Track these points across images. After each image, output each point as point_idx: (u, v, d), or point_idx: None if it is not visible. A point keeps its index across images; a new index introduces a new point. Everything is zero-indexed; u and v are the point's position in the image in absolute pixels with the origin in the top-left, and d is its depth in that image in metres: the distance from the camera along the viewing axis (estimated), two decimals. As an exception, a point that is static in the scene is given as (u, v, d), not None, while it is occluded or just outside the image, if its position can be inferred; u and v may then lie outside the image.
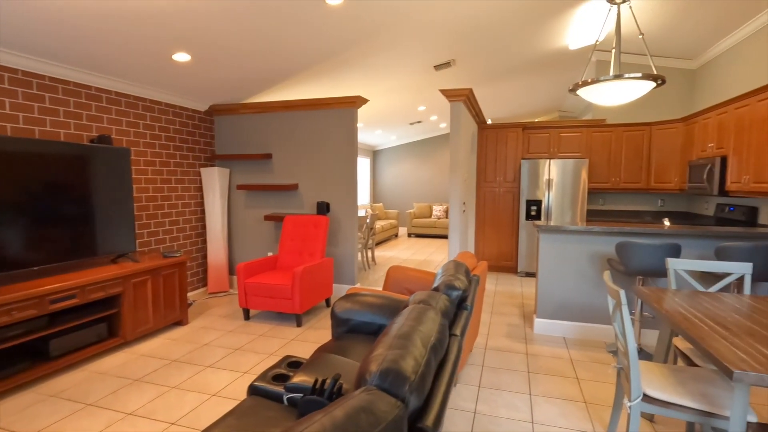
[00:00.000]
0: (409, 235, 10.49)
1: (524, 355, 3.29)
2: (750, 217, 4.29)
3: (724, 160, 4.24)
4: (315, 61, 4.28)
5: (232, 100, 5.11)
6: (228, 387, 2.77)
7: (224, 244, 5.14)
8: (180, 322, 3.99)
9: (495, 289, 5.37)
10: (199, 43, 3.46)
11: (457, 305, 1.87)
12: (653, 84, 2.27)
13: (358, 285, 5.01)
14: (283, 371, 1.87)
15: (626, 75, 2.14)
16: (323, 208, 4.84)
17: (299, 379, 1.70)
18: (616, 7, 2.51)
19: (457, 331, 1.50)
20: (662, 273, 3.04)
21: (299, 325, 3.93)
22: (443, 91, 4.39)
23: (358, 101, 4.71)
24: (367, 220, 6.43)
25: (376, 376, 0.95)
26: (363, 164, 11.05)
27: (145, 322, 3.58)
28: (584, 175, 5.70)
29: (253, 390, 1.76)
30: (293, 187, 4.98)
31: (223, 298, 4.93)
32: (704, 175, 4.48)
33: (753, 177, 3.75)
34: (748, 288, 2.44)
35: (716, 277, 3.31)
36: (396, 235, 10.51)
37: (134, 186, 4.22)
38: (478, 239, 6.37)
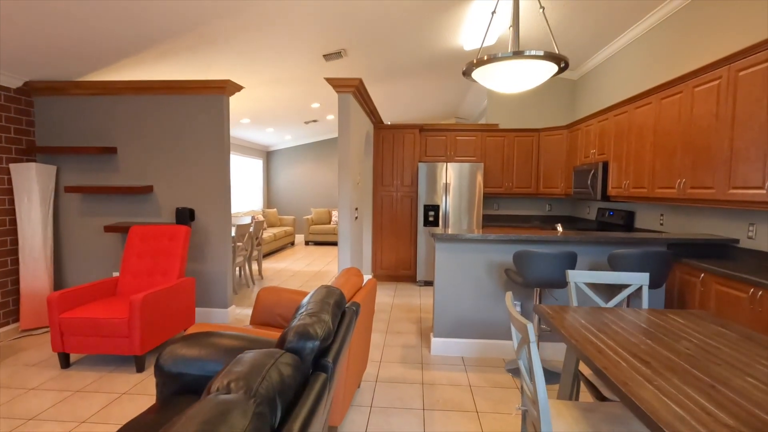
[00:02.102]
0: (307, 243, 9.74)
1: (420, 386, 2.83)
2: (628, 221, 4.45)
3: (605, 166, 4.34)
4: (173, 32, 3.40)
5: (60, 76, 3.93)
6: (-13, 492, 1.83)
7: (47, 265, 3.92)
8: (-48, 382, 2.79)
9: (392, 302, 4.94)
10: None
11: (315, 361, 1.28)
12: (555, 68, 1.96)
13: (231, 308, 4.18)
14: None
15: (527, 52, 1.79)
16: (185, 216, 3.93)
17: None
18: (513, -21, 2.19)
19: (296, 426, 0.90)
20: (560, 284, 2.82)
21: (141, 370, 3.01)
22: (330, 80, 3.82)
23: (229, 87, 3.92)
24: (251, 229, 5.58)
25: None
26: (255, 166, 10.03)
27: None
28: (480, 179, 5.58)
29: None
30: (146, 190, 3.98)
31: (44, 335, 3.72)
32: (588, 181, 4.57)
33: (632, 182, 3.82)
34: (647, 301, 2.25)
35: (611, 286, 3.22)
36: (292, 244, 9.68)
37: None
38: (375, 247, 5.93)
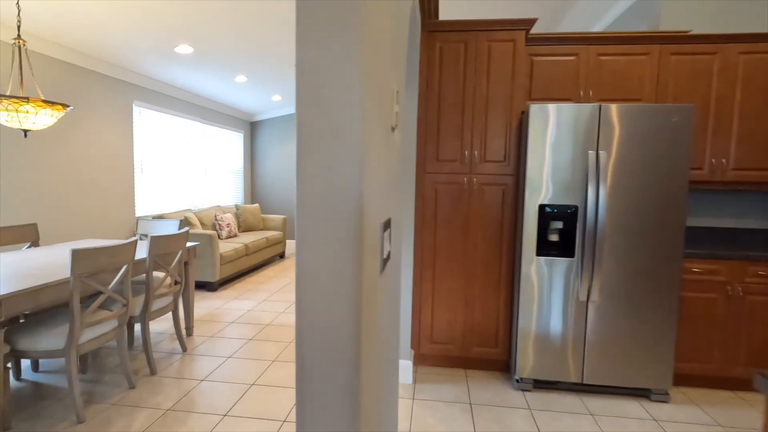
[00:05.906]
0: (303, 254, 6.64)
1: None
2: None
3: None
4: None
5: None
6: None
7: None
8: None
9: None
10: None
11: None
12: None
13: None
14: None
15: None
16: None
17: None
18: None
19: None
20: None
21: None
22: None
23: None
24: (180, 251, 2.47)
25: None
26: (232, 142, 6.96)
27: None
28: (687, 141, 2.33)
29: None
30: None
31: None
32: None
33: None
34: None
35: None
36: (281, 256, 6.60)
37: None
38: (419, 298, 2.75)
